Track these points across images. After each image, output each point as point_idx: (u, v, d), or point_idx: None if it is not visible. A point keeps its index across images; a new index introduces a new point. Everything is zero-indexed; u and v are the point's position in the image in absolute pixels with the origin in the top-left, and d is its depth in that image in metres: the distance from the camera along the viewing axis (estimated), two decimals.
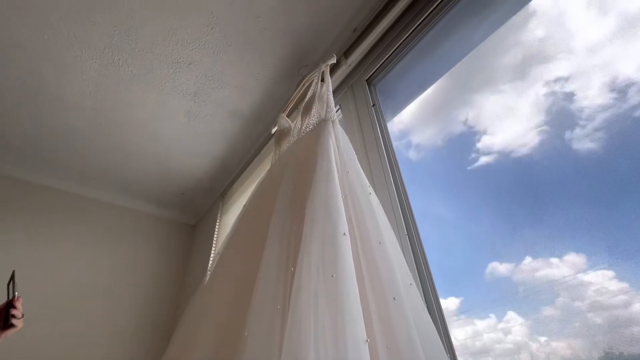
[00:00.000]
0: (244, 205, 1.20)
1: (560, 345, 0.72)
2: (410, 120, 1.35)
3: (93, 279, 2.14)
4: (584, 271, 0.72)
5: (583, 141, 0.81)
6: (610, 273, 0.69)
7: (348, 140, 1.02)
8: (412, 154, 1.27)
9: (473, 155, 1.04)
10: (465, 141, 1.10)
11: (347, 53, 1.41)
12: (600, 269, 0.71)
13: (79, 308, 2.01)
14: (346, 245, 0.65)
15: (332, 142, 0.95)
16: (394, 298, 0.64)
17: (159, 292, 2.38)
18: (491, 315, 0.86)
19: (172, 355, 0.90)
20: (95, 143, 1.99)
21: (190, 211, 2.73)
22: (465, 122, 1.13)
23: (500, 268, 0.87)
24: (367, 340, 0.54)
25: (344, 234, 0.66)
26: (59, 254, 2.10)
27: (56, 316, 1.92)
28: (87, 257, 2.19)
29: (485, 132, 1.05)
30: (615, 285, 0.68)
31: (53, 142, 1.97)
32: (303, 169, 0.96)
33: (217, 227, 2.21)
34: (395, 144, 1.20)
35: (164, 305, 2.34)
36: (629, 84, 0.76)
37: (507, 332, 0.81)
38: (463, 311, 0.92)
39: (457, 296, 0.94)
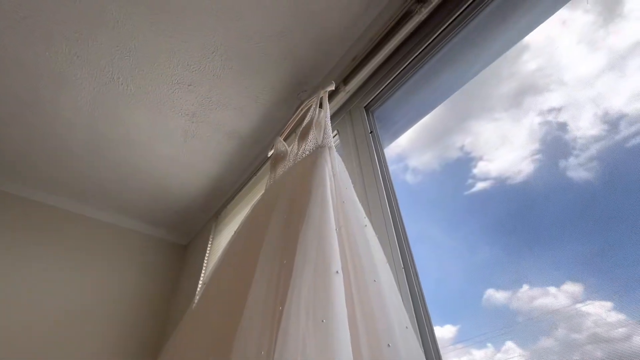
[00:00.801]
0: (235, 231, 1.17)
1: None
2: (407, 144, 1.36)
3: (75, 299, 2.05)
4: (582, 301, 0.71)
5: (577, 170, 0.82)
6: (608, 304, 0.68)
7: (344, 168, 1.00)
8: (409, 177, 1.28)
9: (470, 180, 1.05)
10: (461, 167, 1.10)
11: (346, 80, 1.43)
12: (598, 299, 0.70)
13: (60, 330, 1.92)
14: (339, 285, 0.60)
15: (327, 170, 0.92)
16: (389, 345, 0.59)
17: (145, 314, 2.28)
18: (489, 345, 0.83)
19: None
20: (89, 160, 1.98)
21: (182, 231, 2.68)
22: (461, 148, 1.14)
23: (497, 295, 0.85)
24: None
25: (337, 272, 0.62)
26: (40, 271, 2.01)
27: (36, 337, 1.83)
28: (70, 276, 2.10)
29: (481, 159, 1.06)
30: (614, 316, 0.67)
31: (46, 157, 1.95)
32: (297, 197, 0.93)
33: (208, 248, 2.16)
34: (391, 167, 1.21)
35: (150, 329, 2.25)
36: (621, 116, 0.78)
37: None
38: (460, 340, 0.89)
39: (453, 324, 0.91)
